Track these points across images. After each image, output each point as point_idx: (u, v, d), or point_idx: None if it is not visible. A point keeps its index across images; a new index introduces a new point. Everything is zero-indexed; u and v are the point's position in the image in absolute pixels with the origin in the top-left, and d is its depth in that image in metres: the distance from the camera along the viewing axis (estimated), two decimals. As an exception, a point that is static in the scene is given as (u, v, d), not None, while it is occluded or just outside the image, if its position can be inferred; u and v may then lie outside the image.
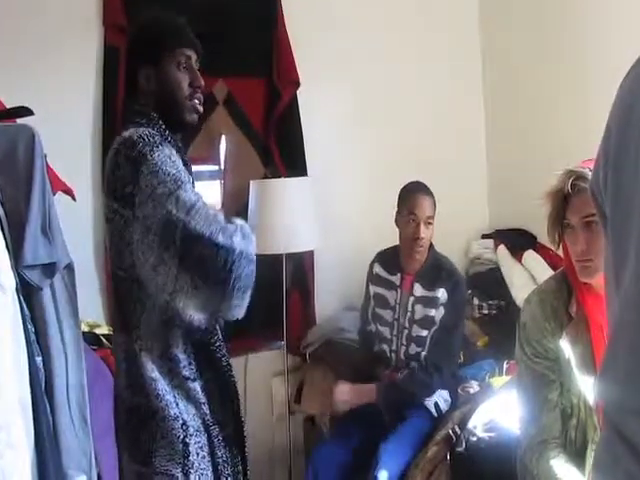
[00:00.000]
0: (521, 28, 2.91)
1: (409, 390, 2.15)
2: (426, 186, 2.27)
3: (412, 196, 2.23)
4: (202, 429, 1.29)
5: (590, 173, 1.34)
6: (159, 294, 1.22)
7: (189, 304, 1.21)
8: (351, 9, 2.90)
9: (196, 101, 1.39)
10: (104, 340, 2.02)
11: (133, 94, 1.41)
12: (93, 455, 1.29)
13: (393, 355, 2.29)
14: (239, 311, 1.27)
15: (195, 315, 1.22)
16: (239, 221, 1.30)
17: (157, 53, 1.36)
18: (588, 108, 2.53)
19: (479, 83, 3.20)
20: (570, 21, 2.63)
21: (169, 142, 1.32)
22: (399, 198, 2.28)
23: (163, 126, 1.34)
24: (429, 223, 2.21)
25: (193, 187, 1.38)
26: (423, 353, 2.20)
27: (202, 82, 1.40)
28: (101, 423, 1.47)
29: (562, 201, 1.41)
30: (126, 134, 1.26)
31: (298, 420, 2.78)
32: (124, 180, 1.23)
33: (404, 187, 2.29)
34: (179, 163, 1.26)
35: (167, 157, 1.23)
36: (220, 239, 1.20)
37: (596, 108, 2.55)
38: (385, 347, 2.31)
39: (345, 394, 2.19)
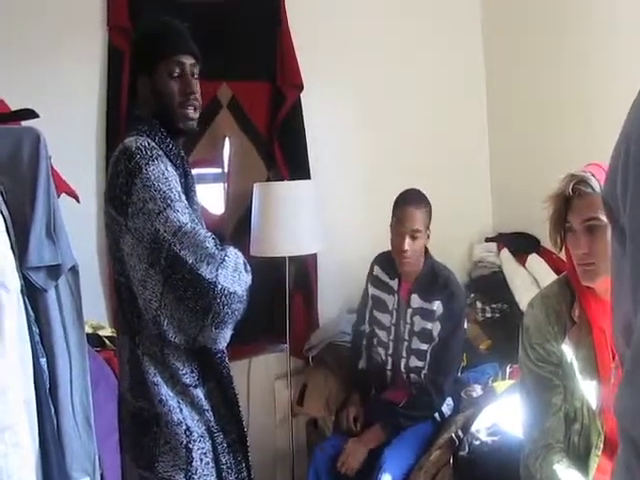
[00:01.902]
0: (524, 30, 2.91)
1: (412, 415, 2.13)
2: (419, 196, 2.20)
3: (400, 207, 2.18)
4: (206, 435, 1.29)
5: (592, 177, 1.35)
6: (147, 309, 1.21)
7: (172, 323, 1.20)
8: (354, 13, 2.90)
9: (189, 109, 1.37)
10: (107, 342, 2.03)
11: (135, 99, 1.41)
12: (97, 457, 1.29)
13: (389, 359, 2.28)
14: (219, 344, 1.25)
15: (177, 336, 1.21)
16: (232, 251, 1.25)
17: (151, 62, 1.35)
18: (591, 112, 2.54)
19: (482, 86, 3.20)
20: (573, 24, 2.63)
21: (169, 150, 1.32)
22: (393, 207, 2.24)
23: (164, 133, 1.34)
24: (416, 237, 2.13)
25: (193, 197, 1.38)
26: (424, 372, 2.19)
27: (194, 88, 1.37)
28: (104, 425, 1.47)
29: (564, 204, 1.41)
30: (126, 142, 1.27)
31: (301, 422, 2.78)
32: (121, 189, 1.23)
33: (398, 196, 2.23)
34: (173, 179, 1.25)
35: (161, 173, 1.23)
36: (203, 270, 1.17)
37: (599, 112, 2.57)
38: (381, 350, 2.31)
39: (355, 454, 2.09)
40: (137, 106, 1.39)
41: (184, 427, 1.25)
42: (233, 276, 1.21)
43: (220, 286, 1.18)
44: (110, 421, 1.48)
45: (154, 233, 1.19)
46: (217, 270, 1.18)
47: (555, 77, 2.73)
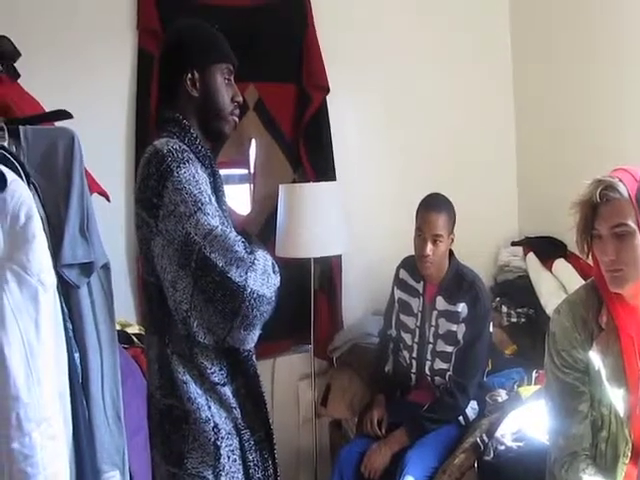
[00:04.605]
0: (553, 27, 2.86)
1: (436, 417, 2.12)
2: (442, 201, 2.20)
3: (422, 212, 2.19)
4: (234, 432, 1.30)
5: (619, 182, 1.34)
6: (178, 310, 1.23)
7: (202, 324, 1.22)
8: (380, 17, 2.90)
9: (235, 117, 1.41)
10: (135, 339, 2.06)
11: (167, 99, 1.41)
12: (126, 452, 1.32)
13: (413, 361, 2.29)
14: (247, 344, 1.27)
15: (206, 336, 1.23)
16: (261, 254, 1.26)
17: (208, 60, 1.37)
18: (622, 112, 2.50)
19: (510, 86, 3.18)
20: (605, 20, 2.57)
21: (199, 151, 1.33)
22: (416, 211, 2.24)
23: (194, 134, 1.35)
24: (438, 242, 2.14)
25: (222, 197, 1.39)
26: (449, 373, 2.18)
27: (242, 98, 1.42)
28: (131, 421, 1.50)
29: (591, 211, 1.40)
30: (157, 144, 1.27)
31: (324, 423, 2.79)
32: (152, 191, 1.24)
33: (421, 201, 2.24)
34: (203, 182, 1.26)
35: (192, 176, 1.24)
36: (233, 273, 1.18)
37: (631, 112, 2.51)
38: (406, 354, 2.32)
39: (379, 457, 2.10)
40: (169, 105, 1.39)
41: (212, 424, 1.27)
42: (262, 279, 1.22)
43: (249, 289, 1.19)
44: (137, 417, 1.50)
45: (185, 236, 1.20)
46: (246, 273, 1.20)
47: (587, 74, 2.68)
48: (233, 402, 1.30)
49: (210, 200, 1.25)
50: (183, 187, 1.22)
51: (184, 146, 1.29)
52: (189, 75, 1.36)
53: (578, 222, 1.42)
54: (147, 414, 1.38)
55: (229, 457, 1.28)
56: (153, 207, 1.24)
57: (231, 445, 1.29)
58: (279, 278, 1.28)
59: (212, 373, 1.28)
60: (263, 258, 1.25)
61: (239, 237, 1.24)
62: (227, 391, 1.30)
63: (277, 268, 1.29)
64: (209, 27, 1.42)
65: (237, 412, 1.31)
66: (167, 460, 1.30)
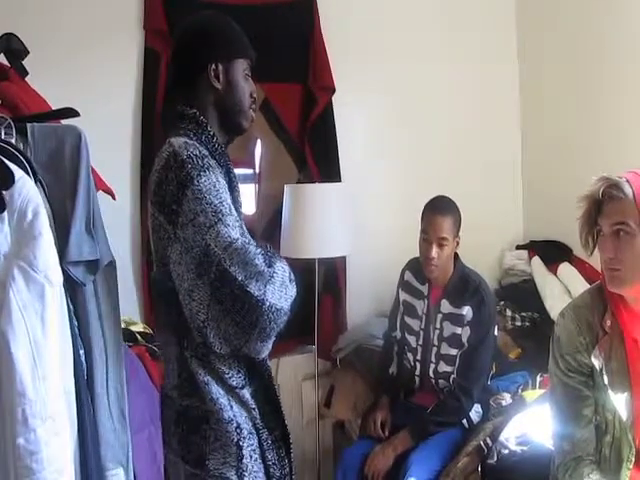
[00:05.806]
0: (559, 28, 2.86)
1: (440, 420, 2.12)
2: (447, 204, 2.19)
3: (427, 214, 2.18)
4: (253, 432, 1.29)
5: (625, 182, 1.34)
6: (194, 319, 1.22)
7: (219, 334, 1.20)
8: (386, 18, 2.90)
9: (253, 112, 1.41)
10: (139, 337, 2.06)
11: (182, 93, 1.37)
12: (130, 449, 1.32)
13: (417, 364, 2.28)
14: (262, 354, 1.26)
15: (222, 347, 1.22)
16: (280, 265, 1.24)
17: (234, 54, 1.36)
18: (630, 115, 2.49)
19: (515, 88, 3.17)
20: (614, 21, 2.56)
21: (215, 149, 1.31)
22: (421, 214, 2.23)
23: (211, 132, 1.32)
24: (443, 245, 2.14)
25: (237, 198, 1.37)
26: (453, 376, 2.18)
27: (257, 95, 1.43)
28: (135, 419, 1.50)
29: (595, 206, 1.41)
30: (176, 146, 1.24)
31: (327, 424, 2.79)
32: (171, 197, 1.21)
33: (426, 203, 2.23)
34: (223, 191, 1.24)
35: (212, 185, 1.21)
36: (252, 287, 1.17)
37: (636, 120, 2.50)
38: (410, 356, 2.32)
39: (382, 459, 2.10)
40: (182, 102, 1.36)
41: (235, 425, 1.25)
42: (280, 291, 1.21)
43: (268, 303, 1.18)
44: (140, 415, 1.50)
45: (204, 247, 1.18)
46: (265, 287, 1.18)
47: (593, 79, 2.67)
48: (252, 403, 1.29)
49: (230, 210, 1.23)
50: (203, 197, 1.19)
51: (204, 151, 1.26)
52: (213, 66, 1.34)
53: (582, 215, 1.43)
54: (160, 415, 1.36)
55: (251, 457, 1.27)
56: (172, 213, 1.21)
57: (252, 445, 1.28)
58: (295, 287, 1.26)
59: (230, 377, 1.27)
60: (281, 270, 1.23)
61: (259, 250, 1.22)
62: (245, 393, 1.29)
63: (293, 276, 1.27)
64: (231, 21, 1.42)
65: (256, 413, 1.30)
66: (187, 461, 1.28)
